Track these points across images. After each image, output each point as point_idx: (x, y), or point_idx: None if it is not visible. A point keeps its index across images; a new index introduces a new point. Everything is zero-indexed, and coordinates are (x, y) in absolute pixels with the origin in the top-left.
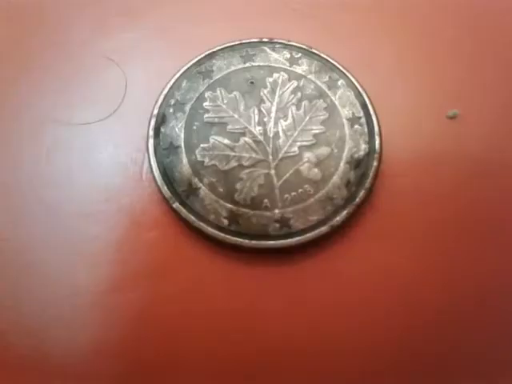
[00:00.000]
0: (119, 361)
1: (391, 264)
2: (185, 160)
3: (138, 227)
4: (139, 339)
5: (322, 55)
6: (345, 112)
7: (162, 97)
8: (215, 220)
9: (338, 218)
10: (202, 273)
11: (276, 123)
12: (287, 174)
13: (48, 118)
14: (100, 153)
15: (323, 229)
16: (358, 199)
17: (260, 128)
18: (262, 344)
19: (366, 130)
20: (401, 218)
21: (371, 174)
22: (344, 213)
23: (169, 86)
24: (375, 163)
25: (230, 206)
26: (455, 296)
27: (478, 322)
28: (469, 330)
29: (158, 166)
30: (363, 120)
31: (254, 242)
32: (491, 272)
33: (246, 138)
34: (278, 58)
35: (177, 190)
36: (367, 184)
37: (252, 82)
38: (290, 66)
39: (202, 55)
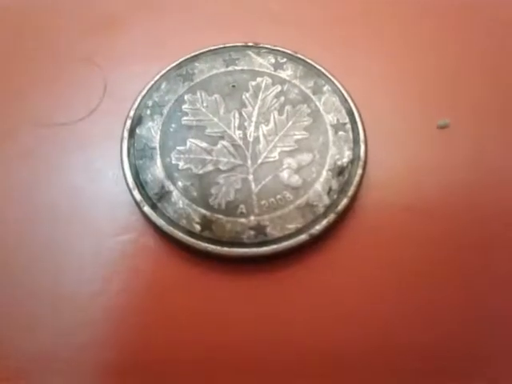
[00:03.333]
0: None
1: (371, 276)
2: (159, 162)
3: (109, 231)
4: (106, 343)
5: (308, 60)
6: (329, 118)
7: (139, 98)
8: (187, 225)
9: (318, 227)
10: (172, 280)
11: (257, 128)
12: (266, 180)
13: (23, 119)
14: (74, 154)
15: (301, 237)
16: (339, 207)
17: (240, 132)
18: (232, 355)
19: (350, 136)
20: (384, 228)
21: (355, 182)
22: (324, 221)
23: (147, 87)
24: (359, 171)
25: (203, 211)
26: (439, 308)
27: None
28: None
29: (131, 168)
30: (348, 126)
31: (225, 248)
32: (480, 283)
33: (225, 142)
34: (263, 62)
35: (148, 194)
36: (350, 192)
37: (234, 86)
38: (274, 71)
39: (184, 58)
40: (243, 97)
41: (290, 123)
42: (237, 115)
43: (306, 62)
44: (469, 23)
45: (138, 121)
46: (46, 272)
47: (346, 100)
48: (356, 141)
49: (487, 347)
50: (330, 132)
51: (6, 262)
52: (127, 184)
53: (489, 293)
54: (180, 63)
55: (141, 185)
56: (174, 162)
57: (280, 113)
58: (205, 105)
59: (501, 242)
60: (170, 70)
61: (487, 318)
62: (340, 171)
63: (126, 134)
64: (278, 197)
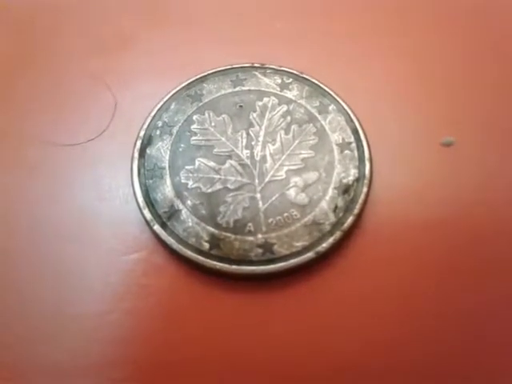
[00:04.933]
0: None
1: (378, 293)
2: (168, 181)
3: (119, 249)
4: (115, 361)
5: (314, 80)
6: (335, 137)
7: (149, 119)
8: (196, 243)
9: (325, 245)
10: (181, 297)
11: (264, 147)
12: (273, 198)
13: (34, 138)
14: (85, 174)
15: (308, 255)
16: (345, 225)
17: (247, 151)
18: (241, 371)
19: (356, 155)
20: (390, 246)
21: (360, 200)
22: (331, 239)
23: (157, 108)
24: (365, 189)
25: (212, 229)
26: (444, 324)
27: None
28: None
29: (141, 188)
30: (353, 145)
31: (234, 266)
32: (484, 302)
33: (232, 161)
34: (269, 82)
35: (158, 212)
36: (356, 210)
37: (241, 106)
38: (280, 91)
39: (192, 79)
40: (250, 117)
41: (297, 142)
42: (244, 135)
43: (312, 82)
44: (476, 40)
45: (148, 141)
46: (54, 290)
47: (351, 119)
48: (361, 159)
49: (491, 366)
50: (336, 151)
51: (14, 280)
52: (137, 203)
53: (495, 310)
54: (189, 84)
55: (151, 203)
56: (183, 181)
57: (286, 132)
58: (213, 125)
59: (506, 258)
60: (179, 90)
61: (493, 333)
62: (346, 189)
63: (136, 154)
64: (285, 215)
